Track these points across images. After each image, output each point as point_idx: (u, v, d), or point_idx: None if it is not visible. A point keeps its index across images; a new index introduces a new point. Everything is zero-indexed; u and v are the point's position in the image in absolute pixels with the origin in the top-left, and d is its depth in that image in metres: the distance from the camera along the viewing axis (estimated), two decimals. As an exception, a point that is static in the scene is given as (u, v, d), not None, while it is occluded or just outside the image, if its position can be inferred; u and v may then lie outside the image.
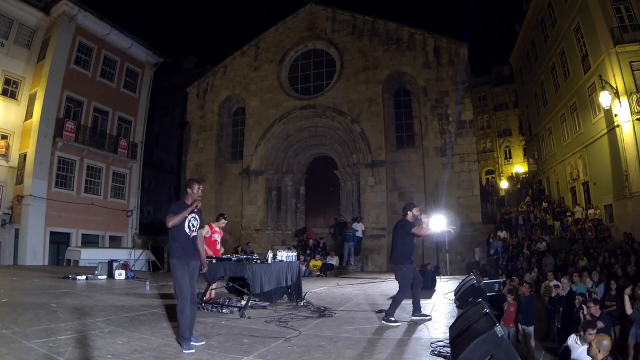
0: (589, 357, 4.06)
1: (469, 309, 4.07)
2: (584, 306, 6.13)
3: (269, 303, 6.52)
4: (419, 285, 5.49)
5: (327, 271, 13.35)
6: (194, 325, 3.97)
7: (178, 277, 3.90)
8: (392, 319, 5.05)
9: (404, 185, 16.28)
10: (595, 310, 5.85)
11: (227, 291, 7.53)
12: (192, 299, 3.96)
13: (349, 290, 9.03)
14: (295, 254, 7.41)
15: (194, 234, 4.12)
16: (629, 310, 5.97)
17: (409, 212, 5.46)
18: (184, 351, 3.65)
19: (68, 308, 5.34)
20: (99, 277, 9.89)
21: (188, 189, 4.16)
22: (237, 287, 6.54)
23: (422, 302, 5.72)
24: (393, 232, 5.59)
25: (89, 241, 17.91)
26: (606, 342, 4.14)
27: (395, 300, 5.17)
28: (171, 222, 3.93)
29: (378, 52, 17.34)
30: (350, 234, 14.81)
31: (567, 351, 4.89)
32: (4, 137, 16.22)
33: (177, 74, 33.13)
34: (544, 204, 20.19)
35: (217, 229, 7.01)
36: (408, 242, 5.36)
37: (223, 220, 7.21)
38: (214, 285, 6.56)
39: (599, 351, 4.08)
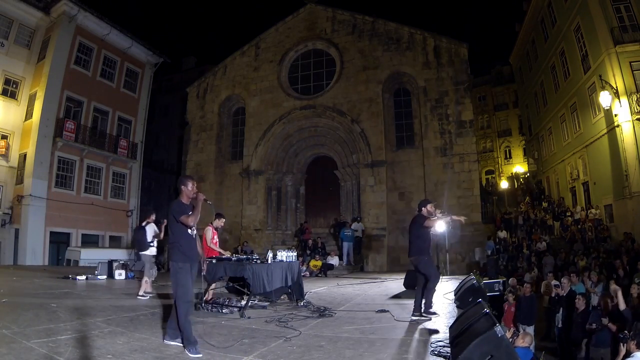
0: None
1: (469, 309, 4.07)
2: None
3: (269, 303, 6.51)
4: (421, 285, 5.52)
5: (327, 271, 13.35)
6: None
7: (183, 281, 3.74)
8: (432, 310, 5.32)
9: (404, 185, 16.27)
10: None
11: (227, 291, 7.52)
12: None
13: (349, 290, 9.03)
14: (295, 254, 7.40)
15: (195, 232, 3.95)
16: (622, 305, 5.98)
17: (423, 208, 5.69)
18: (191, 355, 3.52)
19: (68, 308, 5.33)
20: (99, 277, 9.91)
21: (182, 187, 3.96)
22: (237, 287, 6.54)
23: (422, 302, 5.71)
24: (409, 228, 5.80)
25: (89, 241, 17.91)
26: (528, 338, 5.35)
27: (430, 291, 5.38)
28: (192, 219, 3.78)
29: (378, 52, 17.34)
30: (350, 234, 14.83)
31: None
32: (4, 137, 16.22)
33: (177, 74, 33.10)
34: (544, 204, 20.19)
35: (215, 229, 6.99)
36: (424, 235, 5.56)
37: (222, 219, 7.19)
38: (213, 285, 6.56)
39: (523, 341, 5.18)
